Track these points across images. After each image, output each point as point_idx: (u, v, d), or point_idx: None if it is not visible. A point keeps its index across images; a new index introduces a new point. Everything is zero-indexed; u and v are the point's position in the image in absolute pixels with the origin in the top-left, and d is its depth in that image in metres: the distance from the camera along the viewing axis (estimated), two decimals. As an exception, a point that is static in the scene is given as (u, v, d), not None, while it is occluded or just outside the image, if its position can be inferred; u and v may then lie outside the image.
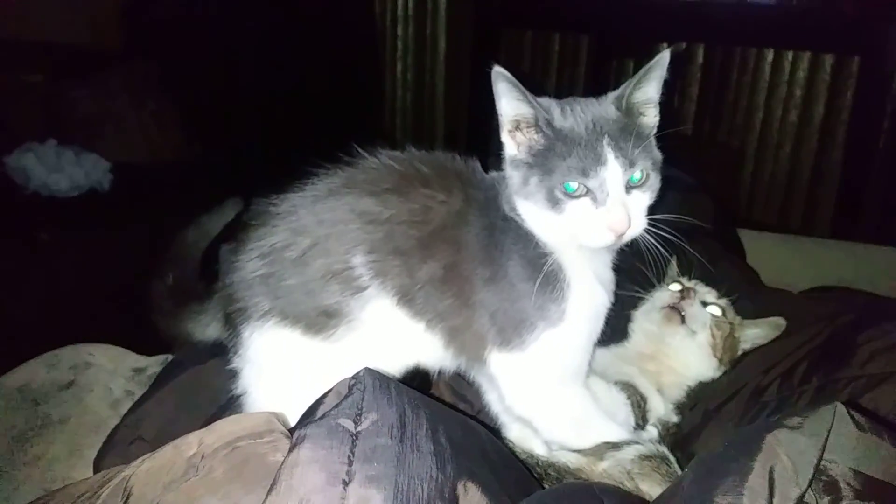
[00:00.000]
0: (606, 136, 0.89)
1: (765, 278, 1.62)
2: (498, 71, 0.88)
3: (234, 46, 3.28)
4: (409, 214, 0.93)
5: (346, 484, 0.60)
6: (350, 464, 0.61)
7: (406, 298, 0.93)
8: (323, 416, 0.66)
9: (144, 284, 1.20)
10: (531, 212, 0.94)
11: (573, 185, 0.88)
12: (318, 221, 0.93)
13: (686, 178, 1.72)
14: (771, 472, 0.56)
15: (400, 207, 0.93)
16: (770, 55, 2.96)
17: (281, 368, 0.97)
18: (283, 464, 0.62)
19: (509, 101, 0.90)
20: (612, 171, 0.88)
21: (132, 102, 3.13)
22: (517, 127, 0.92)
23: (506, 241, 0.95)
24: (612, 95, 0.95)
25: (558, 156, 0.89)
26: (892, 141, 2.74)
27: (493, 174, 1.01)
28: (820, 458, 0.58)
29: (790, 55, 2.91)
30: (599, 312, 1.00)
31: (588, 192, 0.89)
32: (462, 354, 0.99)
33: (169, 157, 3.21)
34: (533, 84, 0.93)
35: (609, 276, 1.02)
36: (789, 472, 0.56)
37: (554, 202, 0.90)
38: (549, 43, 3.44)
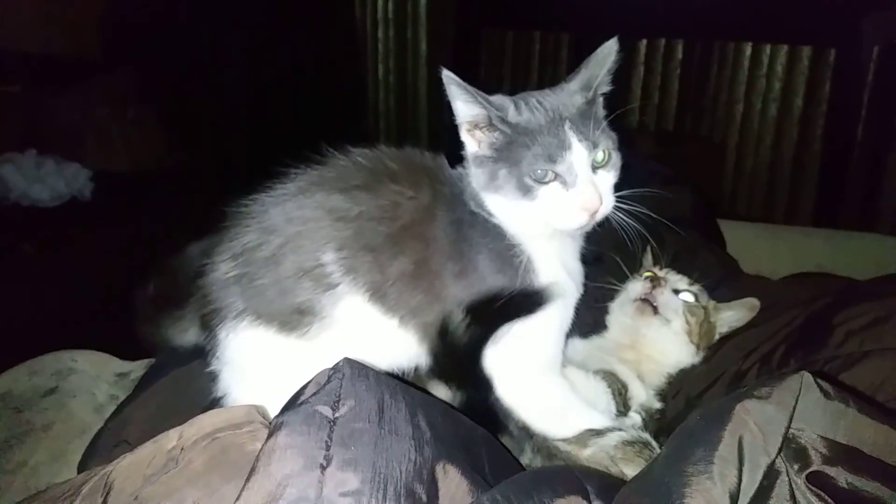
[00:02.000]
0: (567, 121, 0.92)
1: (745, 267, 1.64)
2: (447, 76, 0.90)
3: (215, 53, 3.28)
4: (379, 211, 0.93)
5: (323, 468, 0.60)
6: (327, 448, 0.61)
7: (378, 295, 0.93)
8: (301, 404, 0.66)
9: (127, 294, 1.20)
10: (501, 204, 0.95)
11: (542, 171, 0.91)
12: (288, 220, 0.94)
13: (664, 170, 1.75)
14: (740, 440, 0.57)
15: (369, 204, 0.93)
16: (748, 49, 3.00)
17: (259, 368, 0.97)
18: (261, 450, 0.62)
19: (463, 104, 0.92)
20: (578, 153, 0.92)
21: (112, 111, 3.12)
22: (475, 126, 0.94)
23: (474, 235, 0.96)
24: (571, 85, 0.98)
25: (522, 146, 0.92)
26: (869, 130, 2.77)
27: (459, 170, 1.02)
28: (788, 427, 0.59)
29: (768, 49, 2.96)
30: (569, 302, 1.01)
31: (557, 176, 0.92)
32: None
33: (150, 163, 3.21)
34: (489, 86, 0.96)
35: (577, 267, 1.04)
36: (759, 441, 0.57)
37: (525, 191, 0.92)
38: (529, 42, 3.47)
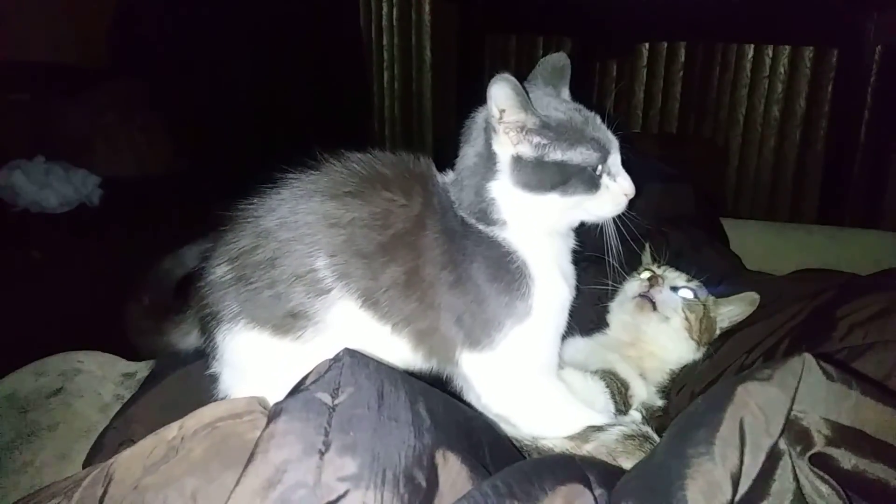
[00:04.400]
0: (599, 117, 0.97)
1: (749, 264, 1.63)
2: (508, 78, 0.89)
3: (221, 60, 3.30)
4: (370, 218, 0.93)
5: (322, 453, 0.60)
6: (326, 434, 0.61)
7: (370, 301, 0.93)
8: (300, 392, 0.67)
9: (122, 308, 1.21)
10: (549, 202, 0.95)
11: (601, 165, 0.95)
12: (282, 225, 0.94)
13: (668, 168, 1.75)
14: (741, 422, 0.57)
15: (361, 211, 0.93)
16: (750, 51, 2.98)
17: (258, 370, 0.97)
18: (260, 436, 0.62)
19: (513, 108, 0.91)
20: (616, 145, 0.97)
21: (120, 118, 3.14)
22: (515, 130, 0.93)
23: (467, 244, 0.96)
24: (558, 95, 1.02)
25: (576, 144, 0.94)
26: (872, 130, 2.76)
27: (448, 178, 1.02)
28: (790, 408, 0.58)
29: (770, 50, 2.94)
30: (564, 305, 1.02)
31: (605, 167, 0.96)
32: (433, 357, 0.99)
33: (158, 170, 3.22)
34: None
35: (570, 270, 1.05)
36: (760, 422, 0.57)
37: (591, 184, 0.95)
38: (533, 47, 3.47)
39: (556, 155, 0.93)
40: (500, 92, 0.90)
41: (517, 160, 0.94)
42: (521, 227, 0.98)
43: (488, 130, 0.95)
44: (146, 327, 1.18)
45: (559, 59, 1.04)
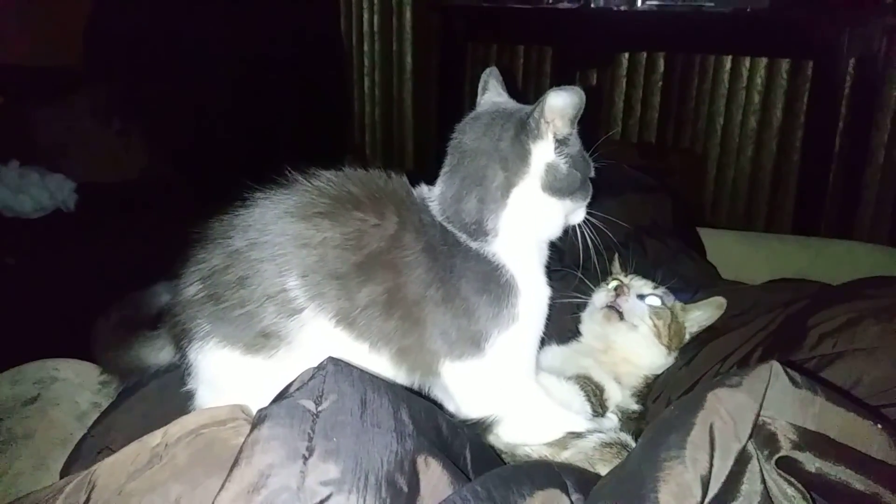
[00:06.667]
0: None
1: (725, 274, 1.66)
2: (579, 90, 0.95)
3: (200, 66, 3.28)
4: (343, 239, 0.93)
5: (305, 458, 0.61)
6: (310, 440, 0.62)
7: (346, 321, 0.93)
8: (284, 399, 0.68)
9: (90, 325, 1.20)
10: (563, 207, 1.03)
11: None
12: (252, 245, 0.94)
13: (646, 178, 1.78)
14: (711, 427, 0.59)
15: (332, 231, 0.93)
16: (728, 62, 3.03)
17: (231, 387, 0.97)
18: (244, 442, 0.63)
19: (567, 120, 0.98)
20: None
21: (97, 122, 3.11)
22: (559, 140, 0.99)
23: (454, 262, 0.97)
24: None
25: (586, 157, 1.04)
26: (846, 141, 2.82)
27: (427, 192, 1.04)
28: (758, 414, 0.61)
29: (748, 61, 2.99)
30: (544, 309, 1.05)
31: None
32: (416, 372, 1.00)
33: (135, 175, 3.19)
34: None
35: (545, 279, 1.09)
36: (729, 427, 0.59)
37: (587, 191, 1.06)
38: (514, 56, 3.49)
39: (577, 164, 1.01)
40: (572, 101, 0.95)
41: (551, 166, 0.99)
42: (516, 236, 1.00)
43: (526, 133, 0.98)
44: (111, 343, 1.17)
45: (497, 72, 1.11)
